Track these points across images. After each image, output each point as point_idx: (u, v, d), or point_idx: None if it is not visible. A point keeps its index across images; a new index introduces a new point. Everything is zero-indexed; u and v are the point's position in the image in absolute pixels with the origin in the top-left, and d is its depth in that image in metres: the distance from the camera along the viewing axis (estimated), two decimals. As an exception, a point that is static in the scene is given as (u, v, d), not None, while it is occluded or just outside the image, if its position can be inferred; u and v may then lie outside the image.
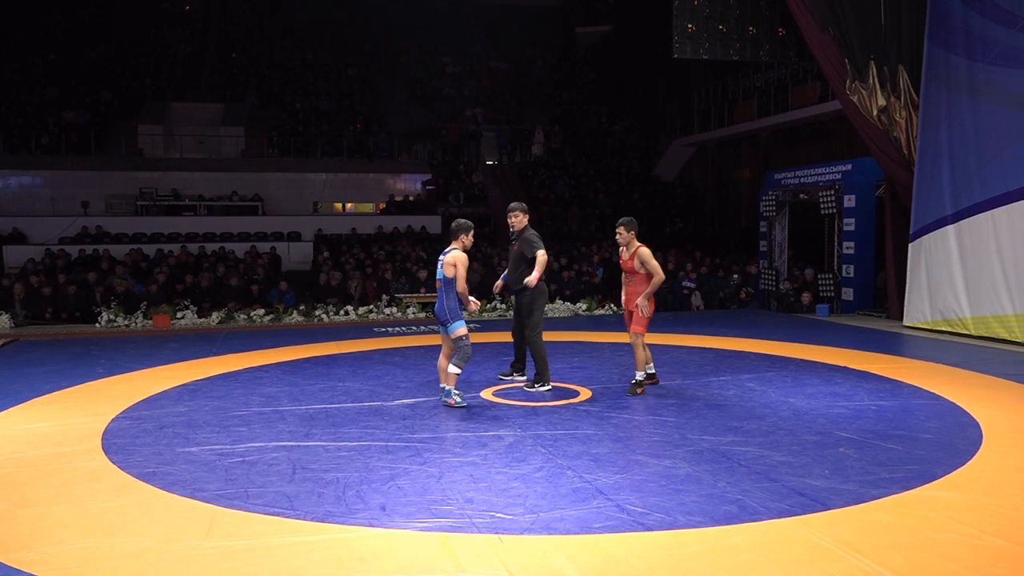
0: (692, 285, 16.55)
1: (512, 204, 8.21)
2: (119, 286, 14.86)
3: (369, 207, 25.38)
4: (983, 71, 11.28)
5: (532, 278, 7.67)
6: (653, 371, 7.62)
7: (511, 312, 12.88)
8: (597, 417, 6.63)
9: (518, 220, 8.04)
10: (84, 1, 28.90)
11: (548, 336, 10.71)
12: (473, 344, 7.55)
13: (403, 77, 29.61)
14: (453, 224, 6.80)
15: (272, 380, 8.39)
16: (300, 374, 8.70)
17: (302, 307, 14.56)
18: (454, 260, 6.70)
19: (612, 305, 15.20)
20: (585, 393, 7.55)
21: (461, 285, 6.65)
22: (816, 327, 12.60)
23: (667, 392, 7.64)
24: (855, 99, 13.24)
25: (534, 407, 7.02)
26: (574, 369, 8.73)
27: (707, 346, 10.59)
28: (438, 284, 6.84)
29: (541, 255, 7.77)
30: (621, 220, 7.17)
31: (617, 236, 7.16)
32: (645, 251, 7.11)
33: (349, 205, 25.50)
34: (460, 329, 6.70)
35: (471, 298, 6.91)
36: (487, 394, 7.59)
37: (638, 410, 6.88)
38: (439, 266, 6.79)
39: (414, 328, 13.02)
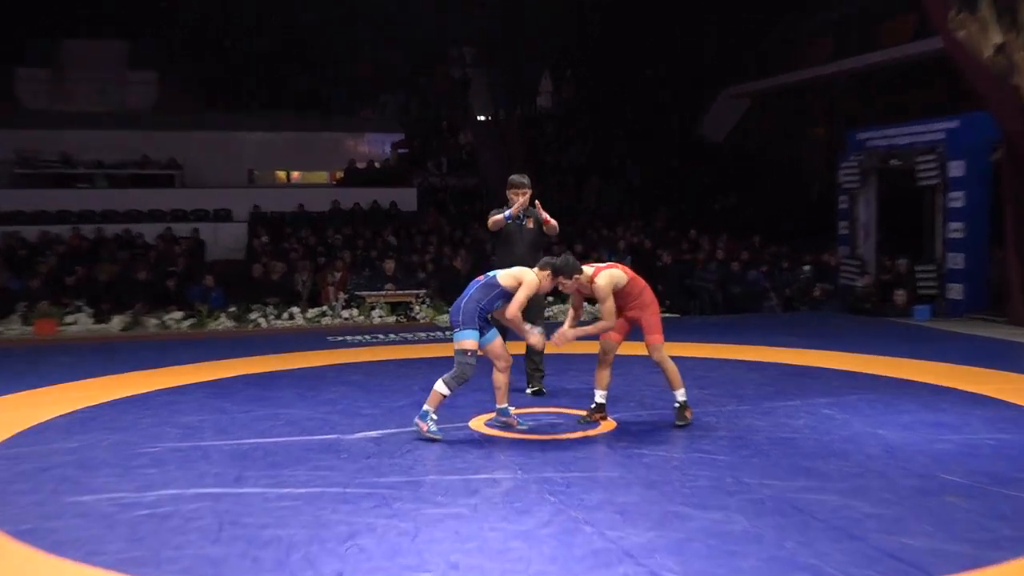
0: (763, 282, 16.70)
1: (516, 178, 8.53)
2: (-12, 281, 14.98)
3: (322, 176, 25.55)
4: None
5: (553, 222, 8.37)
6: (603, 400, 7.56)
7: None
8: (623, 455, 6.56)
9: (527, 198, 8.53)
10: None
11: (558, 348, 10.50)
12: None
13: (368, 9, 29.72)
14: (559, 261, 7.05)
15: (193, 406, 8.38)
16: (230, 398, 8.71)
17: (233, 309, 14.59)
18: (523, 278, 6.94)
19: None
20: (607, 423, 7.52)
21: (515, 309, 6.85)
22: (914, 335, 12.66)
23: (716, 422, 7.58)
24: (961, 35, 13.19)
25: (540, 441, 7.00)
26: (593, 391, 8.27)
27: (769, 360, 10.60)
28: (479, 278, 7.16)
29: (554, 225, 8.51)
30: (546, 262, 7.17)
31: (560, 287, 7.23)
32: (601, 284, 7.16)
33: (295, 174, 25.66)
34: (469, 341, 6.89)
35: (532, 328, 7.11)
36: (477, 424, 7.58)
37: (678, 445, 6.83)
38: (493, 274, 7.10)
39: (380, 337, 13.08)
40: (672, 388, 7.38)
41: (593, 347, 7.56)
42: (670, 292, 16.54)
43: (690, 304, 16.92)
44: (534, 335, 7.13)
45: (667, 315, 14.86)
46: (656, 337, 7.30)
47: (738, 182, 24.05)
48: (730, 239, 19.97)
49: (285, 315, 14.71)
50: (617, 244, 19.01)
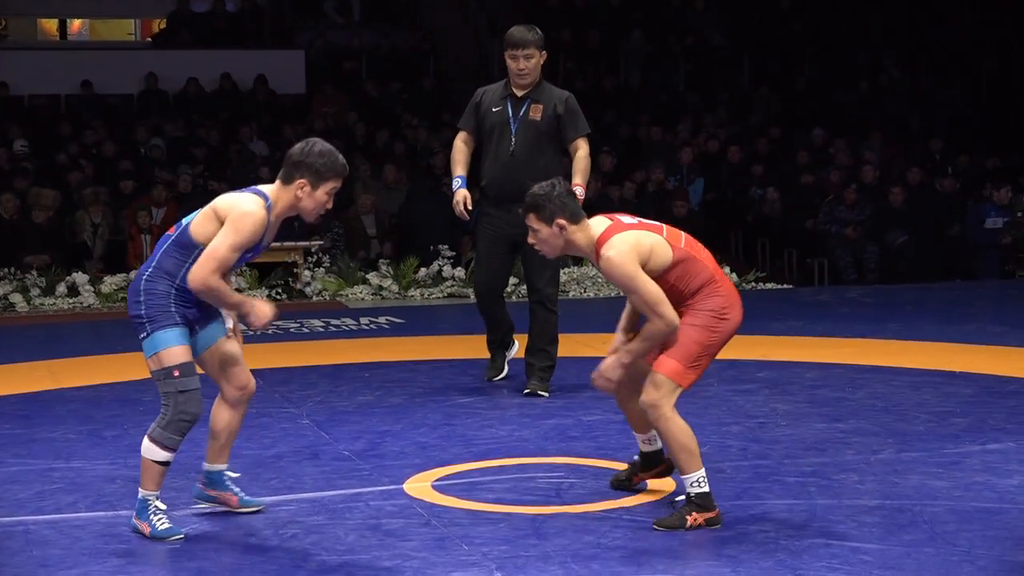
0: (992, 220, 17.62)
1: (517, 32, 9.12)
2: None
3: (125, 29, 26.20)
4: None
5: (579, 191, 8.10)
6: (654, 447, 6.96)
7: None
8: (695, 537, 6.07)
9: (532, 64, 9.13)
10: None
11: (569, 340, 11.09)
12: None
13: None
14: (297, 152, 6.36)
15: None
16: None
17: None
18: (233, 211, 6.27)
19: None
20: (659, 483, 7.08)
21: (205, 272, 6.17)
22: None
23: (860, 481, 7.06)
24: None
25: (529, 516, 6.51)
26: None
27: (957, 369, 10.43)
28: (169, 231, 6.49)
29: (587, 147, 9.20)
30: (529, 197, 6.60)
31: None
32: (617, 258, 6.30)
33: (76, 25, 26.18)
34: (170, 350, 6.23)
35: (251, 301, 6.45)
36: (419, 485, 7.10)
37: (788, 524, 6.35)
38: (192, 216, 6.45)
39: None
40: (680, 468, 6.45)
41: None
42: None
43: (811, 266, 17.61)
44: (256, 309, 6.30)
45: (764, 287, 15.02)
46: (674, 366, 6.27)
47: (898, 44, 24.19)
48: (888, 144, 20.18)
49: (61, 288, 14.97)
50: (678, 154, 19.51)
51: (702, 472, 6.40)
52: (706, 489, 6.34)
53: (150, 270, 6.31)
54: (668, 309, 6.25)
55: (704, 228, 17.11)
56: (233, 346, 6.53)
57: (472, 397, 9.38)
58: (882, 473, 7.26)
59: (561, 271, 15.02)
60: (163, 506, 6.29)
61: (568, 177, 8.53)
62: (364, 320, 13.64)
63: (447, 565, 5.80)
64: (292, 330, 13.12)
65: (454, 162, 9.45)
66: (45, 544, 6.11)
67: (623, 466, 7.26)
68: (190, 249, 6.22)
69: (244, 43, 23.51)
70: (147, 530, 6.28)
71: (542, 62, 9.18)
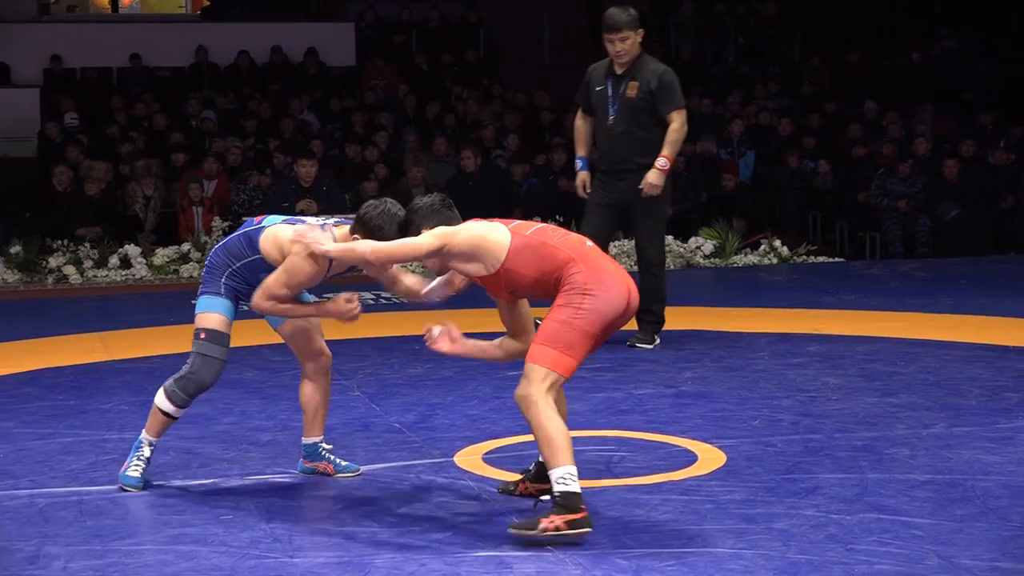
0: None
1: (613, 14, 9.47)
2: None
3: (176, 2, 26.39)
4: None
5: (661, 162, 9.42)
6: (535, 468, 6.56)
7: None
8: (741, 516, 5.97)
9: (628, 45, 9.49)
10: None
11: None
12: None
13: None
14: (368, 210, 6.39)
15: None
16: (12, 412, 8.68)
17: (16, 249, 15.07)
18: (289, 251, 6.44)
19: (774, 240, 16.13)
20: (709, 456, 7.13)
21: (262, 300, 6.46)
22: None
23: (911, 455, 7.03)
24: None
25: (591, 491, 6.15)
26: (683, 400, 8.65)
27: (1011, 343, 10.38)
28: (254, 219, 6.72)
29: (681, 119, 9.53)
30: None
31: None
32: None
33: (126, 0, 26.05)
34: (208, 316, 6.49)
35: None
36: (470, 457, 7.16)
37: (838, 497, 6.33)
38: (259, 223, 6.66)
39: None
40: (546, 464, 5.95)
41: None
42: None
43: (863, 240, 17.56)
44: (336, 311, 6.47)
45: (816, 261, 15.01)
46: (544, 353, 5.88)
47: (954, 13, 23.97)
48: (941, 116, 20.14)
49: (113, 260, 14.93)
50: (731, 126, 19.46)
51: (569, 468, 5.79)
52: (572, 488, 5.73)
53: (220, 245, 6.56)
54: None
55: (754, 201, 17.13)
56: (307, 322, 6.71)
57: (522, 370, 9.23)
58: (934, 447, 7.23)
59: (611, 244, 15.18)
60: (148, 454, 6.49)
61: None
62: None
63: (497, 538, 5.77)
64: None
65: (575, 141, 10.12)
66: (99, 514, 6.19)
67: (674, 440, 7.36)
68: (253, 250, 6.46)
69: (294, 16, 23.69)
70: (123, 469, 6.53)
71: (639, 40, 9.53)
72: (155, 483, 6.70)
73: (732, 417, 7.94)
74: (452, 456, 7.21)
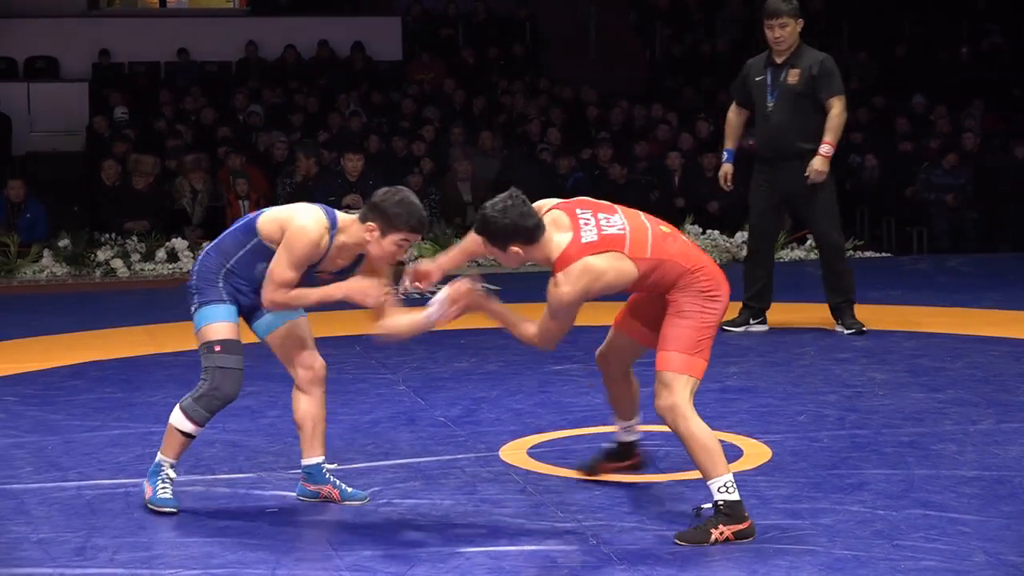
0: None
1: (774, 1, 9.66)
2: None
3: None
4: None
5: (825, 148, 9.64)
6: (630, 438, 6.59)
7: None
8: (787, 512, 6.02)
9: (787, 32, 9.70)
10: None
11: None
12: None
13: None
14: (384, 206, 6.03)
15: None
16: (60, 403, 8.65)
17: (64, 242, 15.05)
18: (290, 225, 6.21)
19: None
20: (755, 451, 7.16)
21: (272, 293, 6.14)
22: None
23: (959, 451, 6.99)
24: None
25: (624, 484, 6.51)
26: (728, 395, 8.60)
27: None
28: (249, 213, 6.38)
29: (841, 105, 9.73)
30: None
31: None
32: (566, 295, 5.81)
33: None
34: (214, 326, 6.20)
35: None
36: (515, 452, 7.15)
37: (884, 494, 6.31)
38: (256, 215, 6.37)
39: None
40: (703, 473, 5.95)
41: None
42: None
43: (910, 233, 17.47)
44: (356, 292, 6.19)
45: (863, 256, 14.98)
46: (678, 360, 5.84)
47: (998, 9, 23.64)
48: (990, 110, 20.06)
49: (160, 253, 15.00)
50: None
51: (729, 477, 5.85)
52: (735, 496, 5.78)
53: (211, 245, 6.35)
54: (551, 340, 5.92)
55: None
56: (297, 329, 6.44)
57: (567, 364, 9.32)
58: (981, 444, 7.18)
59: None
60: (174, 475, 6.26)
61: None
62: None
63: (542, 532, 5.79)
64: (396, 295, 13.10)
65: (725, 134, 10.22)
66: (145, 507, 6.22)
67: (718, 434, 7.09)
68: (251, 236, 6.18)
69: (341, 10, 23.60)
70: (149, 493, 6.28)
71: (798, 29, 9.73)
72: (201, 476, 6.73)
73: (778, 412, 7.95)
74: (497, 450, 7.20)
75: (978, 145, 18.09)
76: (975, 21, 24.06)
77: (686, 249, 5.93)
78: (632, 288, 5.93)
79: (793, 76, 9.70)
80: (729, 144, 10.12)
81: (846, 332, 9.92)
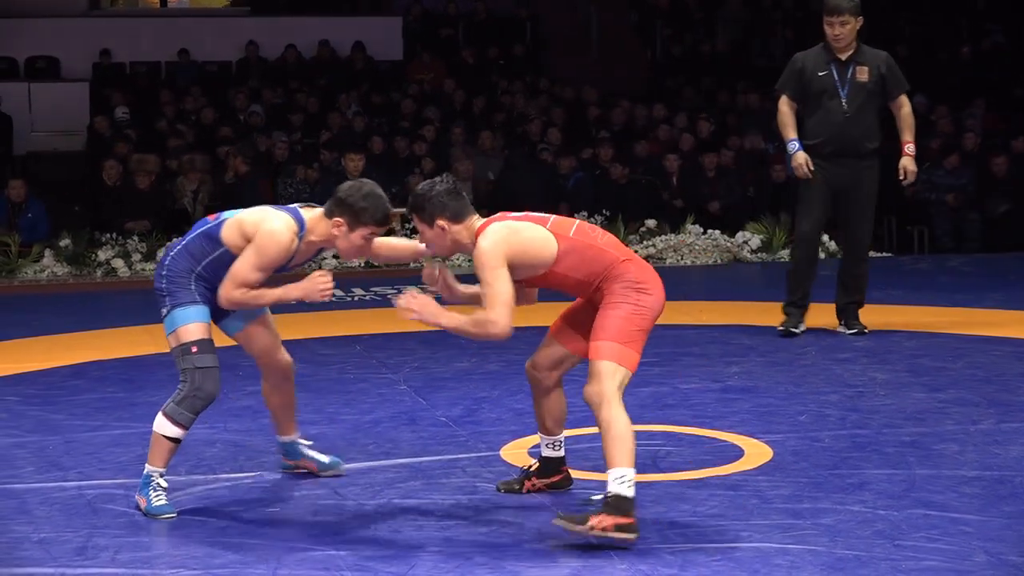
0: None
1: None
2: None
3: None
4: None
5: (911, 148, 9.94)
6: (558, 453, 6.52)
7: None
8: (787, 512, 6.02)
9: (848, 29, 9.65)
10: None
11: (678, 307, 10.88)
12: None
13: None
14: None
15: None
16: (62, 403, 8.69)
17: (66, 242, 15.09)
18: (258, 230, 6.21)
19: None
20: (756, 451, 7.11)
21: (230, 291, 6.18)
22: None
23: (960, 451, 7.02)
24: None
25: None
26: (729, 395, 8.66)
27: None
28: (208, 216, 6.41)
29: (908, 102, 9.99)
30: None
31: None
32: (485, 247, 5.90)
33: None
34: (188, 327, 6.25)
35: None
36: (515, 451, 7.15)
37: (886, 494, 6.29)
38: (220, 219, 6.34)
39: (347, 295, 13.52)
40: (607, 459, 5.83)
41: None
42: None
43: (911, 234, 17.42)
44: (308, 291, 6.12)
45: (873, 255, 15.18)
46: (611, 348, 5.82)
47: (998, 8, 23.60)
48: (991, 110, 19.94)
49: (161, 253, 14.53)
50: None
51: (631, 472, 5.72)
52: (629, 493, 5.65)
53: (178, 248, 6.31)
54: (505, 313, 5.76)
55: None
56: (262, 327, 6.49)
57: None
58: (983, 444, 7.18)
59: (658, 239, 15.17)
60: (164, 484, 6.25)
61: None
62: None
63: (543, 532, 5.79)
64: (390, 296, 13.02)
65: (784, 126, 10.00)
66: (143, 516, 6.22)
67: (720, 434, 7.39)
68: (215, 244, 6.18)
69: (341, 10, 23.65)
70: (143, 505, 6.25)
71: (858, 26, 9.68)
72: (202, 476, 6.74)
73: (779, 412, 7.95)
74: (498, 450, 7.21)
75: (979, 145, 18.01)
76: (976, 21, 24.04)
77: (617, 243, 5.97)
78: (557, 265, 5.88)
79: (862, 73, 9.71)
80: (793, 134, 9.96)
81: (848, 332, 9.92)
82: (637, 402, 8.08)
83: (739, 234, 15.52)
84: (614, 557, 5.37)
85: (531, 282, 5.97)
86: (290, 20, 23.14)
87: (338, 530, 5.94)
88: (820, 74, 9.67)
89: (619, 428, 5.70)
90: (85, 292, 14.17)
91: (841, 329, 9.98)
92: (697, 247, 15.28)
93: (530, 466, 6.45)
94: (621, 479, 5.58)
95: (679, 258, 15.18)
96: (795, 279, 10.00)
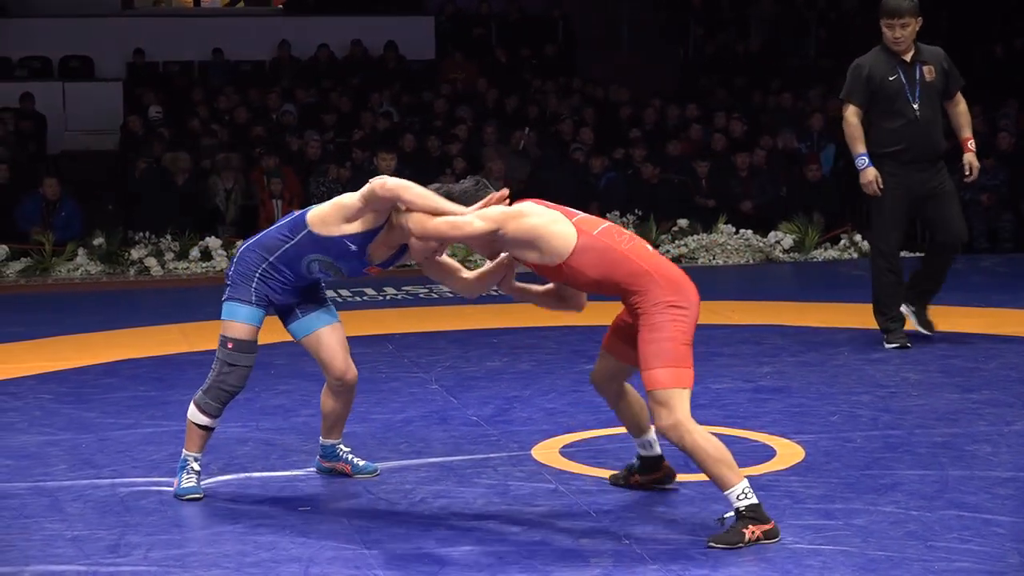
0: None
1: (894, 0, 9.38)
2: None
3: None
4: None
5: (973, 144, 9.68)
6: (652, 452, 6.50)
7: None
8: (820, 512, 6.00)
9: (908, 32, 9.48)
10: None
11: (710, 307, 10.63)
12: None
13: None
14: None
15: (28, 416, 8.31)
16: (95, 401, 8.72)
17: (99, 241, 15.15)
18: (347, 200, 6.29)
19: (854, 234, 16.05)
20: (788, 451, 7.07)
21: (422, 222, 5.99)
22: None
23: (993, 452, 6.99)
24: None
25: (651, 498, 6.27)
26: (761, 395, 8.64)
27: None
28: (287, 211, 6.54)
29: (963, 100, 9.75)
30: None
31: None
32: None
33: None
34: (234, 324, 6.35)
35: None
36: (548, 452, 7.12)
37: (918, 495, 6.26)
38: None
39: (379, 294, 13.43)
40: (719, 484, 5.88)
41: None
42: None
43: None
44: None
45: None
46: (666, 375, 5.73)
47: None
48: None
49: (194, 252, 15.11)
50: (810, 118, 19.07)
51: (744, 483, 5.79)
52: (754, 500, 5.74)
53: (253, 240, 6.41)
54: (470, 218, 5.88)
55: (836, 195, 16.97)
56: (333, 336, 6.49)
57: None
58: (1016, 444, 7.15)
59: (690, 238, 15.14)
60: (198, 468, 6.38)
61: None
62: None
63: (574, 531, 5.78)
64: (421, 295, 13.12)
65: (854, 139, 9.64)
66: (179, 504, 6.24)
67: (751, 434, 7.39)
68: (298, 230, 6.23)
69: (374, 9, 23.58)
70: (175, 485, 6.42)
71: (918, 27, 9.50)
72: (235, 474, 6.75)
73: (811, 412, 7.92)
74: (530, 450, 7.19)
75: (1013, 144, 17.90)
76: (1008, 19, 23.83)
77: (643, 251, 5.88)
78: (573, 267, 5.86)
79: (929, 73, 9.55)
80: (862, 148, 9.67)
81: (920, 328, 9.80)
82: (669, 402, 8.13)
83: (771, 234, 15.47)
84: (646, 558, 5.35)
85: (546, 272, 5.92)
86: (323, 20, 23.12)
87: (369, 529, 5.92)
88: (890, 79, 9.48)
89: (710, 451, 5.73)
90: (118, 291, 14.24)
91: (908, 311, 9.87)
92: (729, 247, 15.30)
93: (631, 463, 6.52)
94: (741, 495, 5.65)
95: (711, 258, 15.15)
96: (887, 297, 9.79)
